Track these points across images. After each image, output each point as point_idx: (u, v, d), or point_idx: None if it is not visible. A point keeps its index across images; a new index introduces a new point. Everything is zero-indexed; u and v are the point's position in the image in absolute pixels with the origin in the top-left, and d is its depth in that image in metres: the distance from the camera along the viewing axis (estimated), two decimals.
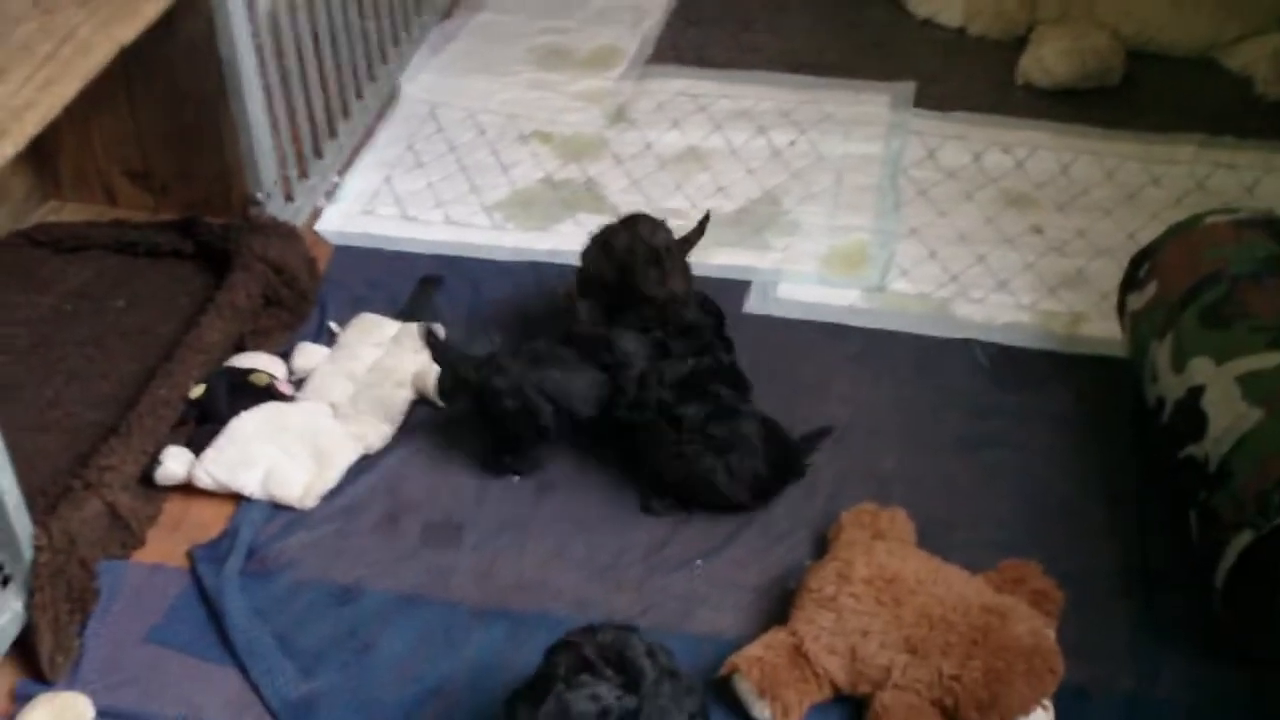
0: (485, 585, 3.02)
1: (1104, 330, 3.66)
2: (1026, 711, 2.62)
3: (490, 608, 2.97)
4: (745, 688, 2.70)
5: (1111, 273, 3.69)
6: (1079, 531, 3.12)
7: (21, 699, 2.73)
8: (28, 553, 2.82)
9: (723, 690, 2.74)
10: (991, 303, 3.82)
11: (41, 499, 3.03)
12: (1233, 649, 2.84)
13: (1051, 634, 2.75)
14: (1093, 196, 4.24)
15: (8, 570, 2.81)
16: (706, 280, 3.83)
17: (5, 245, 3.96)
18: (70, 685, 2.78)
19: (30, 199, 4.15)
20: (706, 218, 3.61)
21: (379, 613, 2.96)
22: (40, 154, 4.09)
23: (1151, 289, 3.31)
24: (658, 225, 3.49)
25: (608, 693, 2.36)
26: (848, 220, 4.12)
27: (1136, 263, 3.44)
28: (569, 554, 3.09)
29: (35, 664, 2.81)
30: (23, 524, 2.80)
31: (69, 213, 4.16)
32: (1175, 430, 3.04)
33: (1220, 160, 4.35)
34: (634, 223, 3.49)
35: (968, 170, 4.35)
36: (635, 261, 3.41)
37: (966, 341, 3.67)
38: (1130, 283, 3.44)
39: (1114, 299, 3.54)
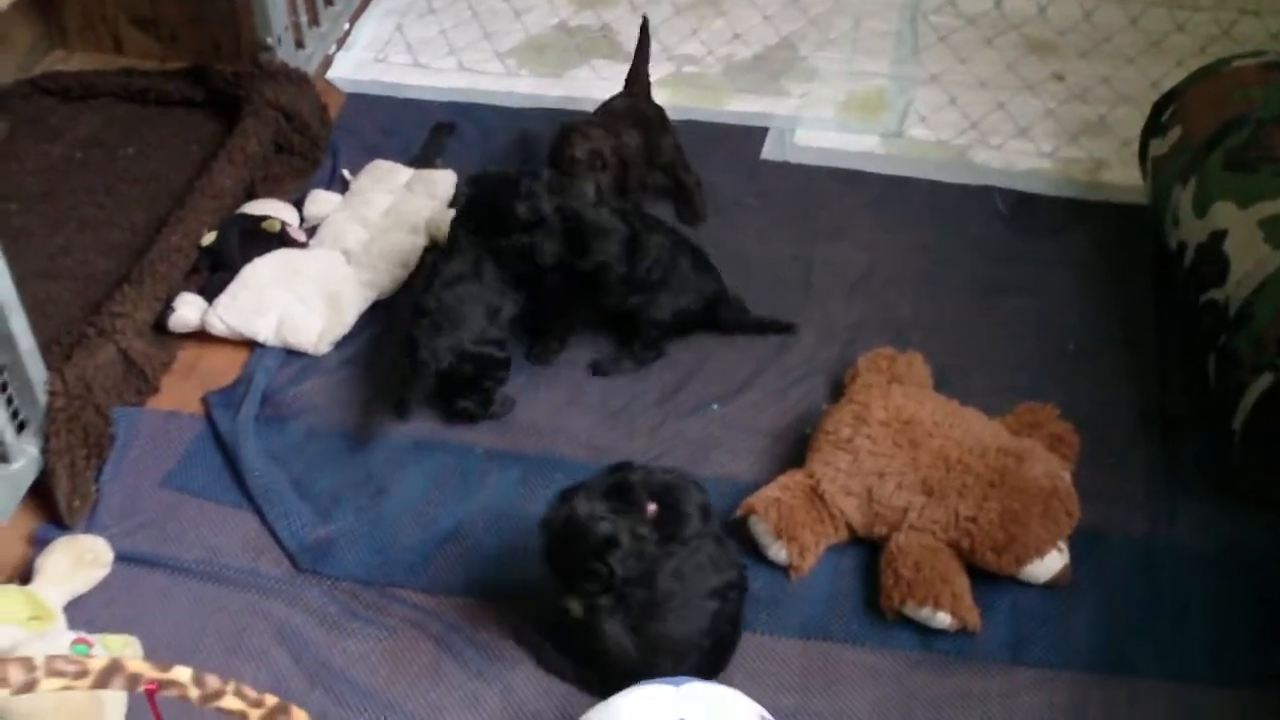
0: (499, 429, 3.02)
1: (1125, 177, 3.63)
2: (1042, 553, 2.62)
3: (505, 451, 2.97)
4: (762, 529, 2.70)
5: (1134, 120, 3.64)
6: (1096, 376, 3.11)
7: (40, 543, 2.74)
8: (42, 398, 2.82)
9: (739, 532, 2.74)
10: (1011, 150, 3.77)
11: (56, 347, 3.02)
12: (1249, 493, 2.83)
13: (1068, 477, 2.75)
14: (1116, 43, 4.17)
15: (23, 415, 2.82)
16: (722, 127, 3.82)
17: (12, 94, 3.93)
18: (88, 529, 2.79)
19: (37, 47, 4.11)
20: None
21: (393, 457, 2.96)
22: (46, 1, 4.03)
23: (1175, 133, 3.26)
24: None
25: (627, 525, 2.39)
26: (866, 66, 4.07)
27: (1160, 107, 3.39)
28: (583, 398, 3.09)
29: (53, 509, 2.82)
30: (37, 369, 2.80)
31: (76, 62, 4.12)
32: (1197, 275, 3.00)
33: (1247, 6, 4.28)
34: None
35: (989, 16, 4.28)
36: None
37: (986, 188, 3.63)
38: (1153, 127, 3.38)
39: (1135, 147, 3.50)
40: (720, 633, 2.49)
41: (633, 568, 2.38)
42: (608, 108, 3.51)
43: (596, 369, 3.16)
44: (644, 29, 3.58)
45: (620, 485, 2.44)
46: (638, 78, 3.56)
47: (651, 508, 2.43)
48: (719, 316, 3.21)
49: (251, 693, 1.93)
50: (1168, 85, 3.50)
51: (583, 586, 2.41)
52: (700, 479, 2.85)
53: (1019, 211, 3.57)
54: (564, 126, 3.35)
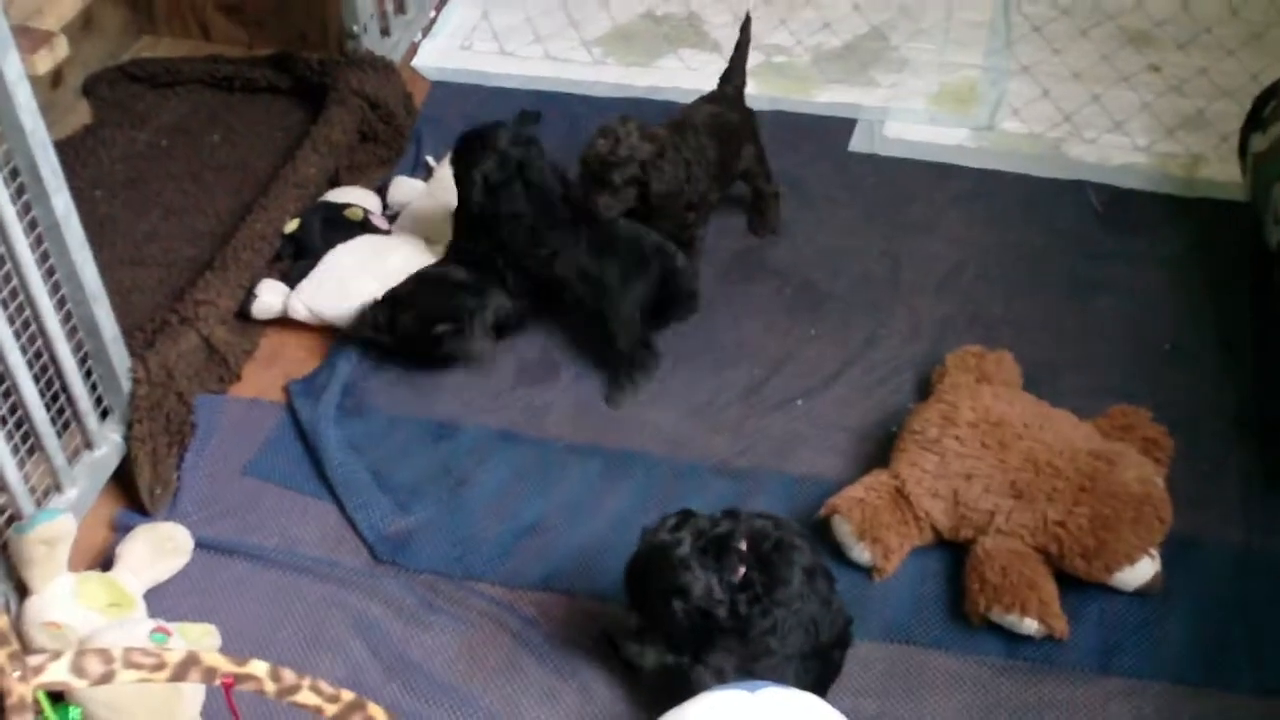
0: (581, 422, 3.00)
1: (1223, 173, 3.54)
2: (1133, 560, 2.55)
3: (585, 445, 2.95)
4: (845, 530, 2.65)
5: (1233, 114, 3.56)
6: (1191, 378, 3.04)
7: (122, 529, 2.75)
8: (126, 385, 2.83)
9: (821, 532, 2.70)
10: (1106, 144, 3.70)
11: (139, 334, 3.03)
12: None
13: (1161, 482, 2.68)
14: (1215, 35, 4.08)
15: (107, 402, 2.83)
16: (811, 118, 3.78)
17: (101, 79, 3.95)
18: (169, 517, 2.80)
19: (125, 33, 4.13)
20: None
21: (474, 449, 2.94)
22: None
23: (1277, 129, 3.17)
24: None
25: (704, 581, 2.34)
26: (958, 57, 4.00)
27: (1262, 101, 3.31)
28: (665, 392, 3.06)
29: (134, 496, 2.83)
30: (120, 357, 2.81)
31: (164, 48, 4.14)
32: None
33: None
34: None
35: (1083, 6, 4.19)
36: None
37: (1079, 183, 3.56)
38: (1254, 122, 3.30)
39: (1235, 142, 3.42)
40: (823, 686, 2.43)
41: (698, 623, 2.34)
42: (686, 118, 3.29)
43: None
44: (745, 27, 3.42)
45: (722, 540, 2.37)
46: (732, 77, 3.40)
47: (741, 570, 2.37)
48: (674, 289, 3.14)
49: (328, 688, 1.93)
50: (1269, 78, 3.43)
51: (638, 616, 2.39)
52: (783, 476, 2.84)
53: (1113, 207, 3.49)
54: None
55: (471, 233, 3.20)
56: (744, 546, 2.38)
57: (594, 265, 3.09)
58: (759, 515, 2.46)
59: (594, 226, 3.11)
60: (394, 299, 3.11)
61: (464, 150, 3.19)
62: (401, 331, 3.09)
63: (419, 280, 3.16)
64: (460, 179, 3.18)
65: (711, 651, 2.37)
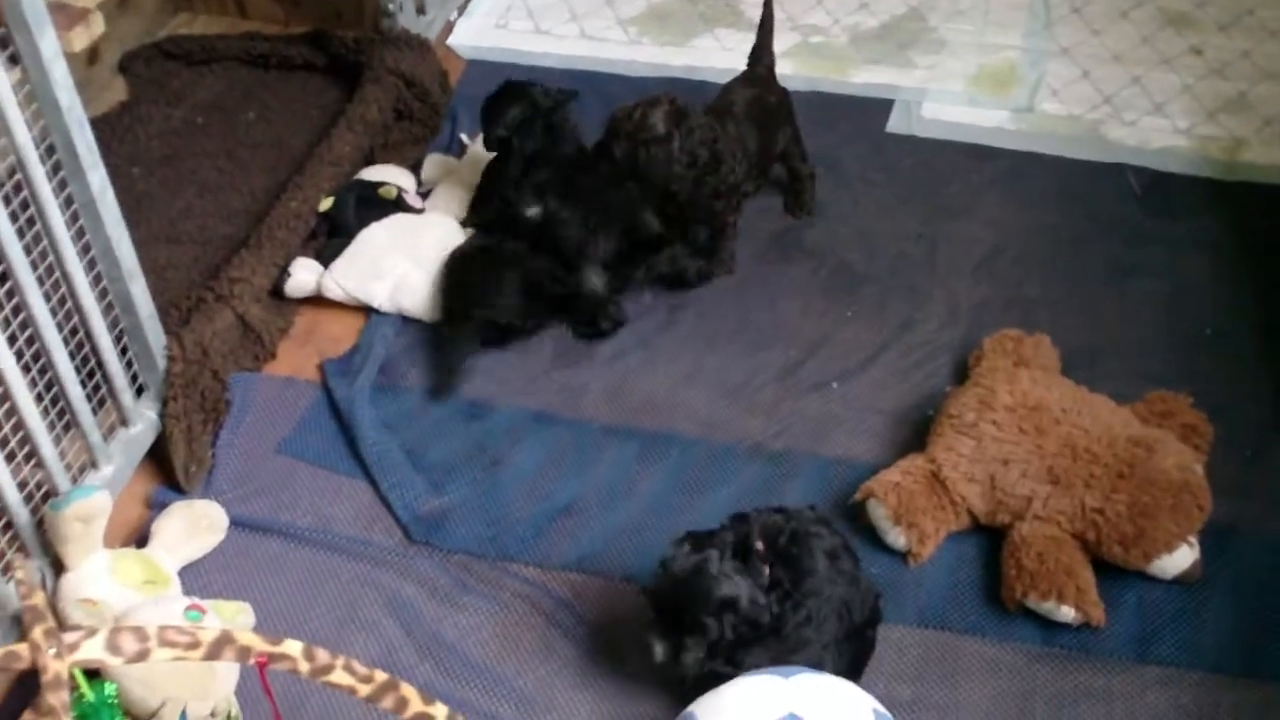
0: (616, 404, 2.99)
1: (1265, 157, 3.51)
2: (1171, 548, 2.53)
3: (621, 426, 2.93)
4: (880, 514, 2.64)
5: (1275, 97, 3.54)
6: (1231, 364, 3.01)
7: (157, 506, 2.76)
8: (161, 362, 2.84)
9: (857, 516, 2.68)
10: (1146, 126, 3.66)
11: (175, 311, 3.03)
12: None
13: (1200, 469, 2.65)
14: (1258, 16, 4.04)
15: (142, 380, 2.84)
16: (848, 99, 3.75)
17: (137, 57, 3.96)
18: (204, 494, 2.80)
19: (162, 11, 4.13)
20: None
21: (509, 429, 2.94)
22: None
23: None
24: None
25: (748, 591, 2.32)
26: (997, 38, 3.97)
27: None
28: (700, 374, 3.05)
29: (170, 473, 2.83)
30: (155, 334, 2.81)
31: (200, 25, 4.15)
32: None
33: None
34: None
35: None
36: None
37: (1118, 166, 3.53)
38: None
39: (1277, 126, 3.38)
40: (858, 666, 2.42)
41: (745, 634, 2.32)
42: (727, 105, 3.26)
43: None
44: (767, 2, 3.40)
45: (743, 544, 2.36)
46: (762, 56, 3.38)
47: (766, 570, 2.35)
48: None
49: (361, 668, 1.92)
50: None
51: (684, 638, 2.34)
52: (818, 458, 2.82)
53: (1153, 191, 3.46)
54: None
55: (488, 183, 3.34)
56: (760, 546, 2.37)
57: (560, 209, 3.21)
58: (766, 510, 2.44)
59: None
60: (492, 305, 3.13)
61: (498, 93, 3.29)
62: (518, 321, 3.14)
63: (484, 270, 3.16)
64: (488, 117, 3.27)
65: (749, 652, 2.34)
